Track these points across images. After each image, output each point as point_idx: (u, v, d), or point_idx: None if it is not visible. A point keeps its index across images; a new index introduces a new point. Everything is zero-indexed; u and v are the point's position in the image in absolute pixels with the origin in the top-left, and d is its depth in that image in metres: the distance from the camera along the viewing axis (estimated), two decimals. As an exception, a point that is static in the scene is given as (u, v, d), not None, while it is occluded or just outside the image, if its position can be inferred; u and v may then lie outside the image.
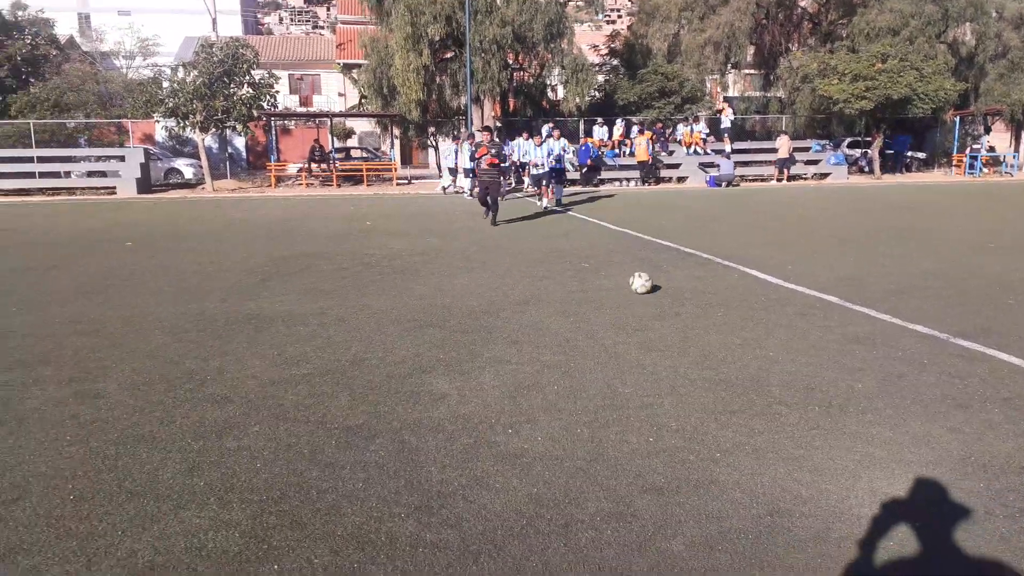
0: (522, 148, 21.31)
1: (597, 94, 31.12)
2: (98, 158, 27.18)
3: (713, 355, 5.42)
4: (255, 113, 25.85)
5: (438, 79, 26.37)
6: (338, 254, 10.57)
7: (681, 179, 26.17)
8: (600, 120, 26.69)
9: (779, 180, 26.26)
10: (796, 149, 27.00)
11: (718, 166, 24.70)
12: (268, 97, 26.46)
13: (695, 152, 26.59)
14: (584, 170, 24.55)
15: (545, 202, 17.76)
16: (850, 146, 31.45)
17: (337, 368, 5.20)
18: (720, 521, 3.10)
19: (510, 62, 26.88)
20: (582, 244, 11.43)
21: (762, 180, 26.78)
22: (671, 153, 26.62)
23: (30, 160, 26.49)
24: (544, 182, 17.87)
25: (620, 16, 34.61)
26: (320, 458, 3.74)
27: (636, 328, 6.23)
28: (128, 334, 6.23)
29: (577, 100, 26.27)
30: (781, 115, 30.55)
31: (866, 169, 28.96)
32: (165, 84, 26.11)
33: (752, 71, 34.20)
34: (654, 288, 7.62)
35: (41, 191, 25.46)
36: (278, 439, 3.99)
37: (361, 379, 4.95)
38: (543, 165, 17.50)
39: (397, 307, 7.10)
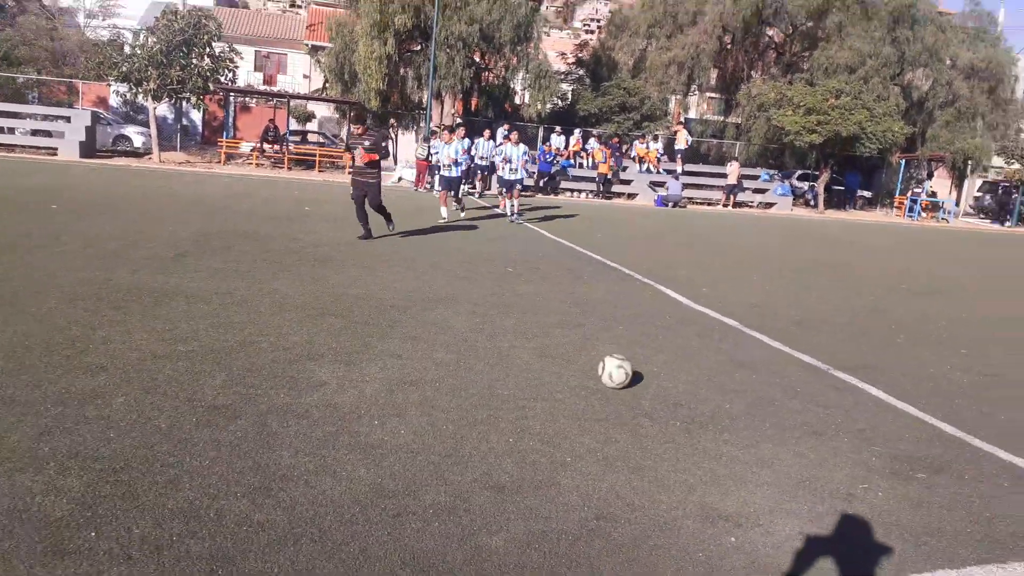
0: (483, 148, 20.87)
1: (560, 102, 31.39)
2: (44, 117, 26.49)
3: (588, 361, 5.55)
4: (211, 86, 25.44)
5: (401, 70, 26.34)
6: (265, 236, 10.51)
7: (631, 196, 26.52)
8: (558, 128, 26.92)
9: (725, 205, 26.79)
10: (745, 177, 27.59)
11: (667, 186, 25.10)
12: (226, 71, 26.09)
13: (648, 170, 26.98)
14: (545, 179, 24.70)
15: (508, 210, 16.35)
16: (800, 178, 32.23)
17: (224, 348, 5.20)
18: (547, 521, 3.21)
19: (476, 60, 26.95)
20: (514, 249, 11.54)
21: (709, 204, 27.29)
22: (624, 169, 26.96)
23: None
24: (505, 189, 16.25)
25: (600, 27, 34.82)
26: (176, 434, 3.76)
27: (536, 335, 6.35)
28: (24, 296, 6.13)
29: (539, 106, 26.44)
30: (736, 141, 31.16)
31: (812, 203, 29.73)
32: (127, 49, 25.58)
33: (714, 94, 34.83)
34: (634, 378, 5.19)
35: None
36: (140, 412, 3.99)
37: (244, 361, 4.96)
38: (516, 168, 15.78)
39: (306, 295, 7.11)
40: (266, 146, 27.46)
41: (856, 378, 5.79)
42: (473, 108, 29.22)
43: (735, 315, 7.78)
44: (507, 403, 4.61)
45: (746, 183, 27.76)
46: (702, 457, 4.05)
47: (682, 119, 30.48)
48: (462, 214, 15.60)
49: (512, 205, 15.86)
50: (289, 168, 26.53)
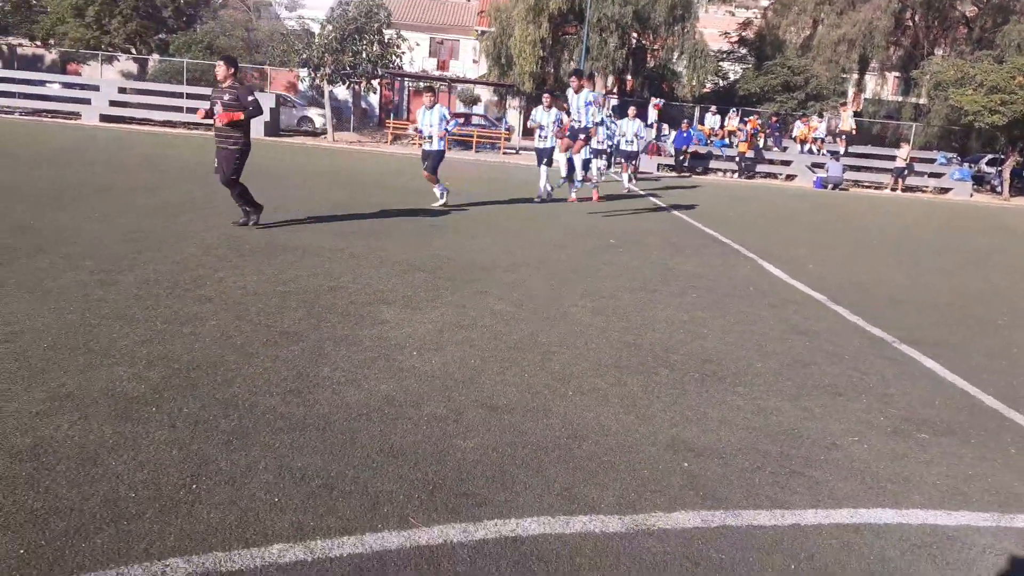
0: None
1: (721, 82, 30.67)
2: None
3: (649, 325, 5.84)
4: (379, 71, 27.28)
5: (555, 53, 26.85)
6: (387, 205, 11.46)
7: (790, 177, 25.55)
8: (713, 108, 26.39)
9: (893, 189, 25.12)
10: (919, 160, 25.71)
11: (827, 167, 23.94)
12: (395, 57, 27.84)
13: (809, 151, 25.84)
14: (680, 156, 24.45)
15: (626, 180, 17.31)
16: (989, 163, 29.49)
17: (314, 290, 6.02)
18: (521, 435, 3.65)
19: (631, 40, 26.97)
20: (628, 224, 11.78)
21: (876, 187, 25.69)
22: (784, 149, 26.00)
23: (180, 96, 29.19)
24: (624, 160, 17.03)
25: (766, 5, 33.59)
26: (246, 349, 4.55)
27: (604, 296, 6.70)
28: (169, 243, 7.31)
29: (694, 85, 26.06)
30: (913, 123, 28.99)
31: (997, 189, 27.16)
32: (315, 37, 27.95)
33: (894, 72, 32.52)
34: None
35: (185, 124, 28.03)
36: (224, 332, 4.83)
37: (327, 301, 5.74)
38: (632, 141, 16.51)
39: (408, 254, 7.85)
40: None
41: (919, 351, 5.68)
42: (629, 88, 29.25)
43: (827, 290, 7.68)
44: (540, 348, 5.05)
45: (920, 167, 25.86)
46: (701, 402, 4.30)
47: (848, 99, 28.77)
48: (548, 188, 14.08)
49: (630, 175, 17.12)
50: (448, 148, 27.89)
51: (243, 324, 5.01)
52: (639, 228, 11.38)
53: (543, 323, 5.65)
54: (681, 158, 24.28)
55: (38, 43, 34.46)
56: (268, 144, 24.09)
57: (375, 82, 28.55)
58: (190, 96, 29.02)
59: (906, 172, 25.12)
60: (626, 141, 16.70)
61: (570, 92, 11.33)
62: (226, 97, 8.26)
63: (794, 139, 26.24)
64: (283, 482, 3.03)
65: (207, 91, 29.84)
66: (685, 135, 24.03)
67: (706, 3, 29.55)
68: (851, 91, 33.71)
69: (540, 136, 13.84)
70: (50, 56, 36.96)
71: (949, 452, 3.89)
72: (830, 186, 23.50)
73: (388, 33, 27.94)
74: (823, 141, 26.01)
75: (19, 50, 39.08)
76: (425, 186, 12.57)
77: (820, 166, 24.89)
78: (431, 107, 11.71)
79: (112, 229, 7.80)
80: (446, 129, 11.79)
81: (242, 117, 8.32)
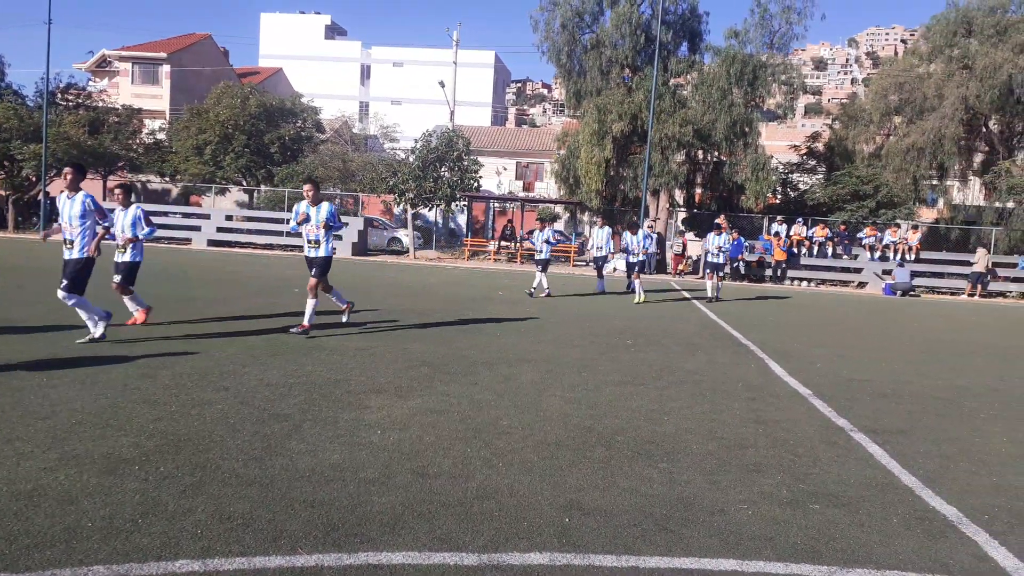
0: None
1: (792, 192, 31.04)
2: (336, 224, 32.06)
3: (613, 413, 6.32)
4: (457, 194, 29.19)
5: (620, 171, 28.08)
6: (433, 312, 12.38)
7: (861, 284, 25.26)
8: (780, 218, 26.72)
9: (971, 295, 24.38)
10: (1000, 264, 24.96)
11: (893, 274, 23.61)
12: (472, 181, 29.80)
13: (880, 258, 25.58)
14: (735, 264, 24.93)
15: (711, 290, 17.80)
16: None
17: (319, 382, 6.84)
18: (435, 495, 4.23)
19: (693, 157, 27.95)
20: (658, 326, 12.24)
21: (952, 293, 25.00)
22: (855, 257, 25.84)
23: (280, 221, 31.97)
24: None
25: (832, 117, 34.23)
26: (235, 426, 5.34)
27: (587, 388, 7.22)
28: (217, 345, 8.37)
29: (757, 197, 26.58)
30: (993, 227, 28.28)
31: (1096, 293, 25.84)
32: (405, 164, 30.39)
33: (971, 178, 32.05)
34: None
35: (283, 247, 30.54)
36: (225, 413, 5.66)
37: (327, 391, 6.53)
38: (637, 254, 16.98)
39: (426, 352, 8.63)
40: (503, 243, 30.54)
41: (869, 438, 5.90)
42: (697, 201, 30.01)
43: (816, 386, 7.91)
44: (497, 429, 5.61)
45: (1001, 271, 25.07)
46: (616, 474, 4.74)
47: (911, 208, 28.45)
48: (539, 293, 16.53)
49: (716, 285, 17.62)
50: (521, 262, 29.20)
51: (244, 408, 5.85)
52: (665, 329, 11.83)
53: (513, 409, 6.24)
54: (735, 266, 24.73)
55: (166, 178, 38.66)
56: (353, 262, 25.97)
57: (455, 204, 30.45)
58: (288, 221, 31.74)
59: (987, 278, 24.40)
60: (711, 255, 17.63)
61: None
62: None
63: (864, 247, 26.09)
64: (211, 521, 3.72)
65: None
66: (736, 243, 24.48)
67: (766, 121, 30.41)
68: (933, 197, 33.29)
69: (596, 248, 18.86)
70: (175, 190, 41.24)
71: (829, 520, 4.19)
72: (899, 292, 23.10)
73: (468, 160, 30.05)
74: (892, 247, 25.74)
75: (149, 185, 43.80)
76: (470, 294, 13.49)
77: (888, 273, 24.58)
78: (541, 229, 17.42)
79: (173, 331, 8.98)
80: (547, 242, 17.03)
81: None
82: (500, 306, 14.06)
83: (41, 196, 32.56)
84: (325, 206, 9.75)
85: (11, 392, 5.86)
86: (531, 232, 33.12)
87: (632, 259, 17.06)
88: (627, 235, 17.48)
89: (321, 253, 9.90)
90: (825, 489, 4.69)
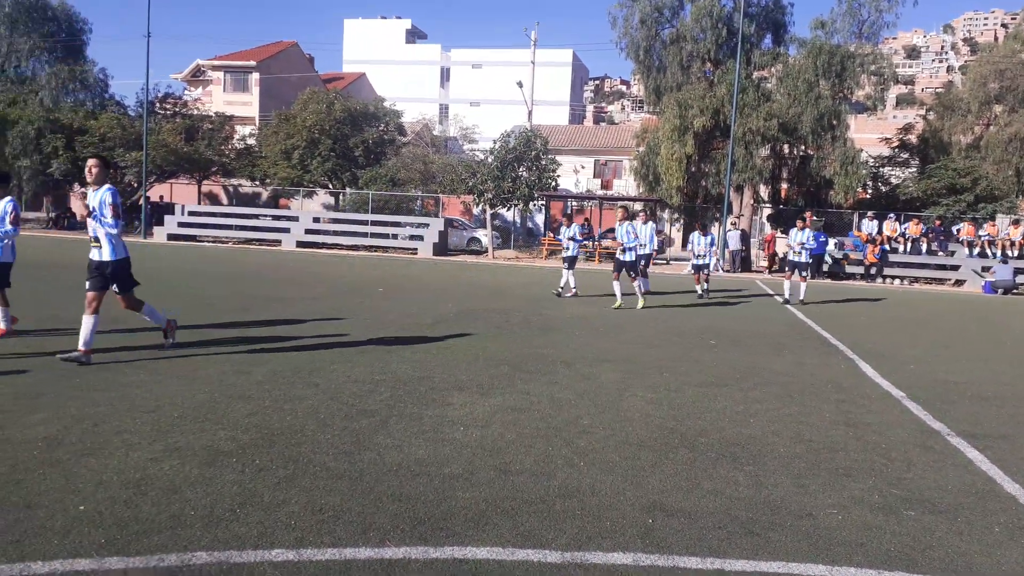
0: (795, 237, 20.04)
1: (883, 187, 29.87)
2: (418, 224, 32.69)
3: (697, 414, 6.24)
4: (535, 194, 29.27)
5: (702, 167, 27.59)
6: (512, 311, 12.46)
7: (959, 282, 24.08)
8: (870, 214, 25.72)
9: (1082, 293, 22.89)
10: (1117, 259, 23.35)
11: (993, 271, 22.39)
12: (549, 180, 29.83)
13: (979, 254, 24.32)
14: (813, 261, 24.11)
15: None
16: None
17: (404, 379, 7.00)
18: (518, 492, 4.28)
19: (778, 151, 27.21)
20: (743, 326, 11.99)
21: (1065, 291, 23.54)
22: (951, 254, 24.66)
23: (365, 223, 32.76)
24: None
25: (926, 108, 32.66)
26: (325, 421, 5.53)
27: (669, 389, 7.14)
28: (306, 342, 8.67)
29: (846, 192, 25.67)
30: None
31: None
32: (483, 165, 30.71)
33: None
34: None
35: (367, 248, 31.28)
36: (315, 408, 5.87)
37: (410, 388, 6.68)
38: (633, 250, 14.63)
39: (505, 351, 8.71)
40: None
41: (968, 443, 5.65)
42: (783, 197, 29.21)
43: (910, 388, 7.61)
44: (578, 428, 5.63)
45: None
46: (699, 475, 4.69)
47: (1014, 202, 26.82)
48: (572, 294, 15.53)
49: (796, 285, 16.35)
50: (599, 261, 29.05)
51: (333, 403, 6.04)
52: (749, 328, 11.57)
53: (593, 409, 6.24)
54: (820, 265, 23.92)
55: (256, 182, 40.20)
56: (433, 262, 26.40)
57: (533, 204, 30.56)
58: (374, 223, 32.53)
59: (1100, 273, 22.86)
60: (794, 252, 16.37)
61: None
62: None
63: (961, 243, 24.85)
64: (304, 512, 3.87)
65: (388, 218, 33.45)
66: (823, 240, 23.65)
67: (855, 113, 29.33)
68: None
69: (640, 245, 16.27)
70: (265, 193, 42.82)
71: (925, 527, 4.04)
72: (1000, 291, 21.90)
73: (545, 159, 30.11)
74: (991, 243, 24.42)
75: (240, 189, 45.63)
76: (541, 294, 13.50)
77: (989, 270, 23.33)
78: (568, 225, 16.28)
79: (265, 331, 9.34)
80: (573, 239, 15.72)
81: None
82: (577, 305, 14.04)
83: (142, 201, 34.33)
84: (104, 190, 7.12)
85: (119, 387, 6.22)
86: (609, 230, 32.97)
87: (625, 257, 14.96)
88: (793, 231, 16.42)
89: (106, 256, 7.20)
90: (920, 495, 4.52)
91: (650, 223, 17.70)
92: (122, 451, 4.66)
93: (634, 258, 14.32)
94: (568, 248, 16.03)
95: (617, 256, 14.60)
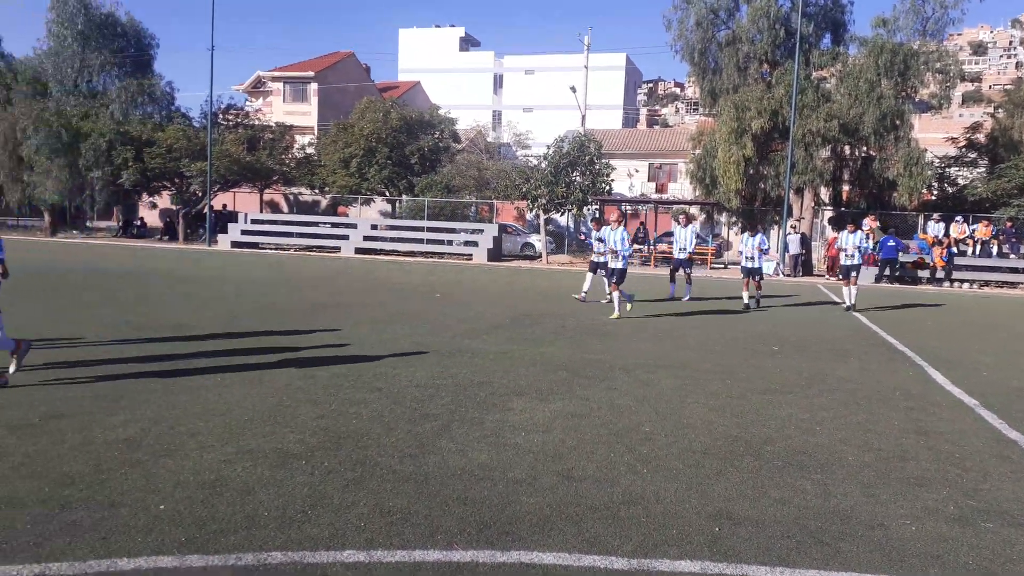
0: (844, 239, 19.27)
1: (949, 188, 28.94)
2: (472, 230, 32.89)
3: (761, 422, 6.15)
4: (588, 198, 29.18)
5: (760, 170, 27.11)
6: (567, 315, 12.44)
7: (1034, 285, 23.17)
8: (936, 216, 24.94)
9: None
10: None
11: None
12: (604, 185, 29.69)
13: (1056, 256, 23.37)
14: (886, 268, 23.43)
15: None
16: None
17: (464, 384, 7.07)
18: (581, 498, 4.30)
19: (840, 152, 26.59)
20: (809, 332, 11.74)
21: None
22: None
23: (420, 230, 33.13)
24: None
25: (994, 106, 31.43)
26: (390, 424, 5.63)
27: (731, 396, 7.06)
28: (368, 347, 8.83)
29: (910, 193, 24.92)
30: None
31: None
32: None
33: None
34: None
35: (424, 254, 31.60)
36: (379, 412, 5.97)
37: (471, 392, 6.74)
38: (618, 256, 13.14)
39: (561, 356, 8.72)
40: (636, 246, 30.21)
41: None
42: (844, 199, 28.54)
43: (984, 396, 7.36)
44: (639, 435, 5.60)
45: None
46: (767, 484, 4.63)
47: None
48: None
49: (851, 292, 15.59)
50: (655, 265, 28.80)
51: (397, 407, 6.15)
52: (812, 334, 11.33)
53: (654, 415, 6.21)
54: (887, 270, 23.24)
55: (316, 191, 41.01)
56: (488, 267, 26.54)
57: (587, 208, 30.43)
58: (430, 229, 32.86)
59: None
60: (846, 255, 15.68)
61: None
62: None
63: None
64: (373, 514, 3.95)
65: (443, 224, 33.73)
66: (893, 244, 22.98)
67: (919, 112, 28.47)
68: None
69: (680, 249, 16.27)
70: (324, 201, 43.63)
71: (1005, 540, 3.91)
72: (1081, 294, 20.99)
73: (599, 163, 29.96)
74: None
75: (300, 197, 46.57)
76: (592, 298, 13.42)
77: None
78: (598, 228, 14.52)
79: (328, 338, 9.54)
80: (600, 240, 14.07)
81: None
82: (634, 311, 13.93)
83: (207, 210, 35.34)
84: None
85: (191, 391, 6.44)
86: (666, 234, 32.69)
87: (847, 260, 15.39)
88: (843, 234, 15.90)
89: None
90: (998, 507, 4.38)
91: (690, 226, 16.59)
92: (197, 452, 4.83)
93: (624, 267, 13.05)
94: (607, 253, 13.43)
95: (675, 256, 14.82)
